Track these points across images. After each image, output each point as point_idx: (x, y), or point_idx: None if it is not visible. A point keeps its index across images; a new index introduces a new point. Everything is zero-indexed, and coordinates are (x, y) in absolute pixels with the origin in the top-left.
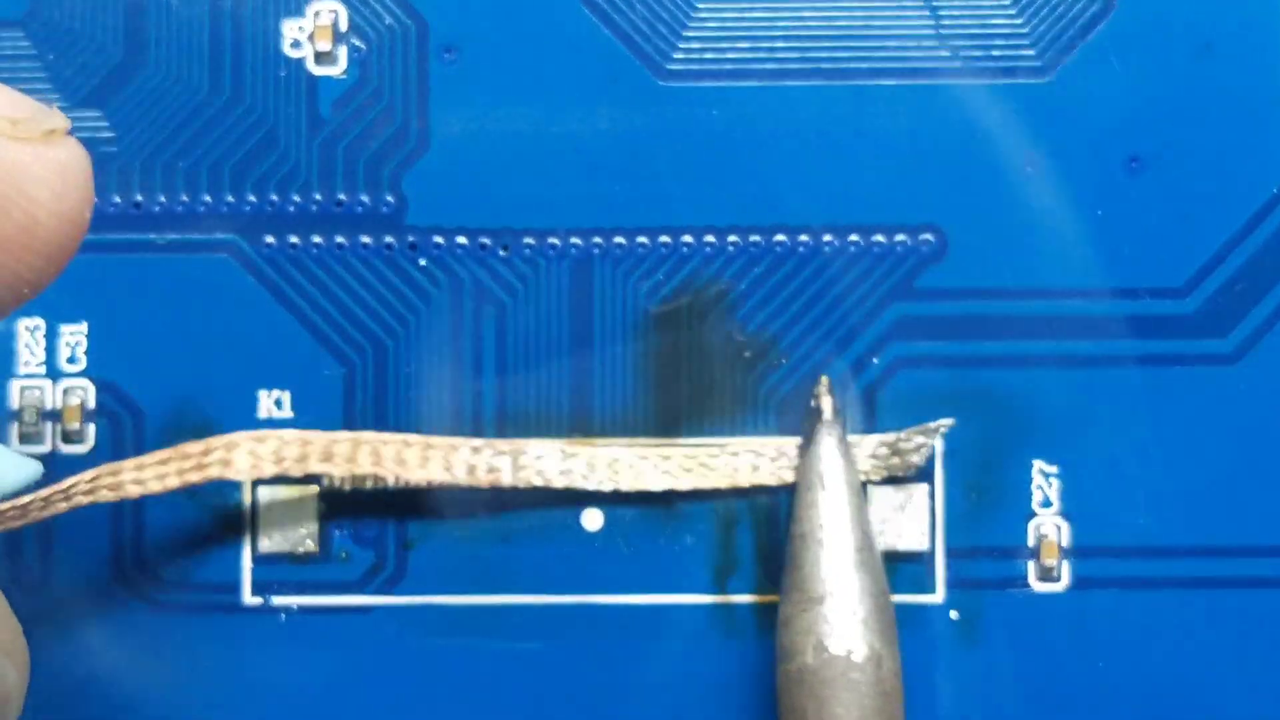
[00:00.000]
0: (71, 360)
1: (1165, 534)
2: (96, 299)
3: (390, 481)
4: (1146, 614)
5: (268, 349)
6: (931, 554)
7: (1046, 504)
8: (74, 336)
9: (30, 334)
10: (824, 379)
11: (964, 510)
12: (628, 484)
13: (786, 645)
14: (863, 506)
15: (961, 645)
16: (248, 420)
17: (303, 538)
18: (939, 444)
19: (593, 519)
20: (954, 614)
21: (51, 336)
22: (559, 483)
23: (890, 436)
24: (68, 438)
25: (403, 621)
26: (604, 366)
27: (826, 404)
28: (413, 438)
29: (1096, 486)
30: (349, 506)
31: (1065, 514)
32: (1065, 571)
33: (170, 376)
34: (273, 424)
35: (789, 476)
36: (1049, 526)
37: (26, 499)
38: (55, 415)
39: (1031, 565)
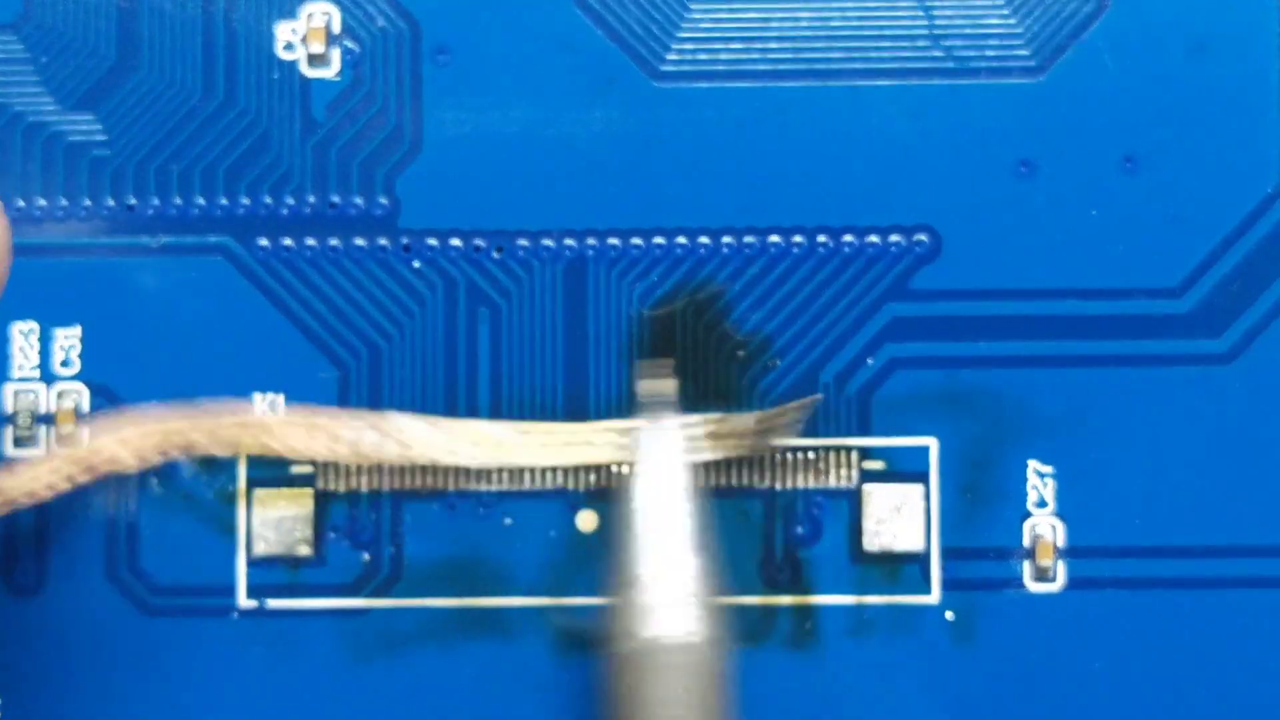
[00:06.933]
0: (65, 364)
1: (1160, 534)
2: (90, 302)
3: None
4: (1142, 614)
5: (262, 352)
6: (927, 554)
7: (1042, 504)
8: (68, 340)
9: (24, 337)
10: (643, 363)
11: (959, 511)
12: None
13: (614, 629)
14: (694, 490)
15: (957, 646)
16: None
17: (297, 541)
18: (935, 445)
19: (587, 520)
20: (949, 615)
21: (45, 340)
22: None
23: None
24: (62, 441)
25: (398, 624)
26: (598, 368)
27: (649, 387)
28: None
29: (1092, 487)
30: (344, 509)
31: (1060, 514)
32: (1061, 572)
33: (164, 379)
34: None
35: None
36: (1044, 527)
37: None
38: (49, 419)
39: (1027, 565)
